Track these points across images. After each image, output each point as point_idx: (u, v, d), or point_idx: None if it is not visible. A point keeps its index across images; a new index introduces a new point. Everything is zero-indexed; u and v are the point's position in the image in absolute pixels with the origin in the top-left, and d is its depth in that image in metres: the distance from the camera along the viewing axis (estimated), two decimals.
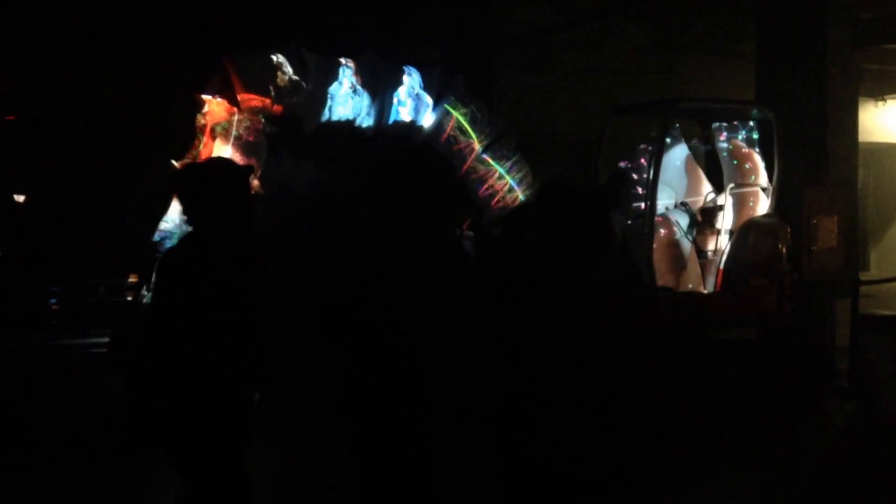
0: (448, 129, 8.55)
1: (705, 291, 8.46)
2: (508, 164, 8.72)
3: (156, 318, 3.44)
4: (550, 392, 3.65)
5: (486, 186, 8.73)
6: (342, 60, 8.06)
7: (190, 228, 3.57)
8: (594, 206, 4.04)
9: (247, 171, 3.72)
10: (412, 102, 8.38)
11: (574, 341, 3.67)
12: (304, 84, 7.79)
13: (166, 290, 3.45)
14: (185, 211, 3.56)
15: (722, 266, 8.39)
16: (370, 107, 8.16)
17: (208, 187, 3.51)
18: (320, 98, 7.90)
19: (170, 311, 3.40)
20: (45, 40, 12.66)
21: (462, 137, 8.59)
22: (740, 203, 8.72)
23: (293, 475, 5.94)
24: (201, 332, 3.38)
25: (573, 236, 3.85)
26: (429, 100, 8.45)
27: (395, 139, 8.44)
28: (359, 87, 8.07)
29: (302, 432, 6.68)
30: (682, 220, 8.64)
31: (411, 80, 8.37)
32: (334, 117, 8.04)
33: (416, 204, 3.53)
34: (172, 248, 3.62)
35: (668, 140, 8.55)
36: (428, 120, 8.49)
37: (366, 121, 8.19)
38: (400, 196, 3.55)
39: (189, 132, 7.59)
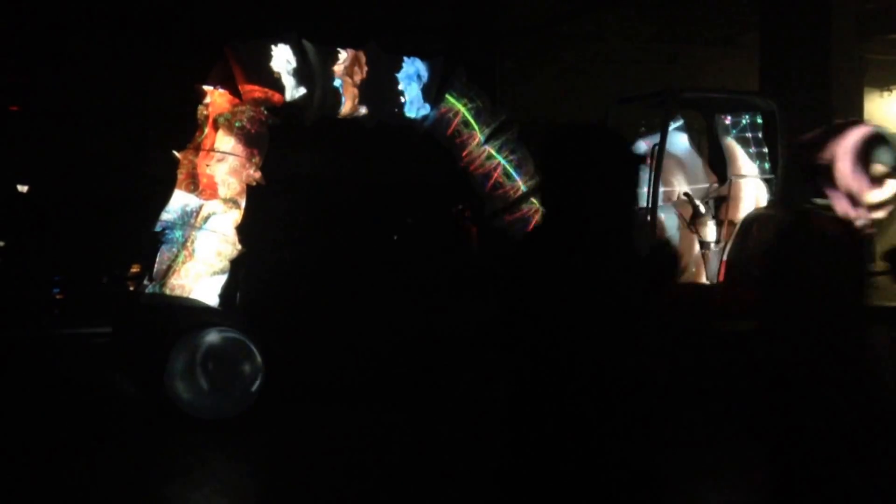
0: (454, 124, 8.56)
1: (706, 283, 8.44)
2: (507, 151, 8.73)
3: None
4: None
5: (491, 179, 8.77)
6: (339, 50, 8.03)
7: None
8: None
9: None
10: (415, 93, 8.37)
11: None
12: (305, 75, 7.76)
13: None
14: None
15: (726, 258, 8.36)
16: (368, 98, 8.14)
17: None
18: (323, 90, 7.87)
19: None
20: (47, 31, 12.66)
21: (465, 130, 8.60)
22: (743, 193, 8.68)
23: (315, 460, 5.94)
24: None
25: None
26: (421, 94, 8.44)
27: (402, 130, 8.42)
28: (345, 79, 8.04)
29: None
30: (685, 211, 8.61)
31: (410, 70, 8.35)
32: (338, 108, 8.03)
33: (593, 196, 2.59)
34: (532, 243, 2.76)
35: (671, 126, 8.51)
36: (423, 110, 8.49)
37: (353, 111, 8.15)
38: (569, 186, 2.62)
39: (191, 122, 7.58)
